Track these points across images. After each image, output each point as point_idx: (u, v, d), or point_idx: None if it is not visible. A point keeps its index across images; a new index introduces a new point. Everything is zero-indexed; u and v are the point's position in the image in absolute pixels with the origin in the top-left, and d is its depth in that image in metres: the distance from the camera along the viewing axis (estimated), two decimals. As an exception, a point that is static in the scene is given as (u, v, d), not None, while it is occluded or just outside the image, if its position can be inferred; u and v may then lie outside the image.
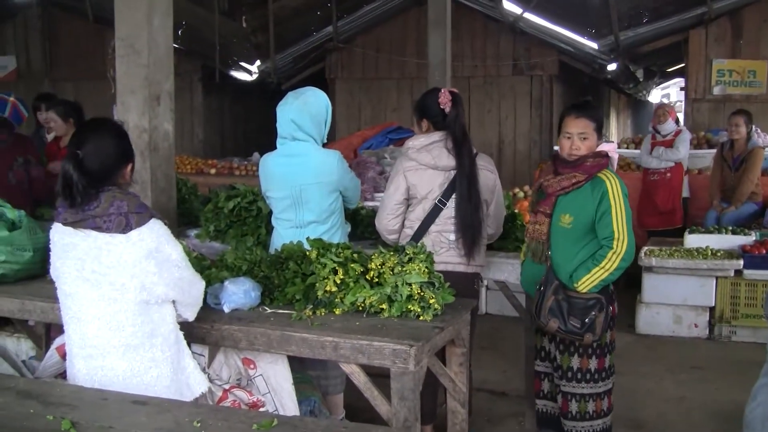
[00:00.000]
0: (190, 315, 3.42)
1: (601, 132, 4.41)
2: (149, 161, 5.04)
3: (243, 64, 15.70)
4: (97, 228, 3.09)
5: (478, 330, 5.26)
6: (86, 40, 15.31)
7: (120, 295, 3.10)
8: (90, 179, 3.10)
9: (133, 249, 3.07)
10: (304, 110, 4.69)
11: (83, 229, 3.11)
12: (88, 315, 3.17)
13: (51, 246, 3.24)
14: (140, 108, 5.06)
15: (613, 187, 4.25)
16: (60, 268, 3.22)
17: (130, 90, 5.09)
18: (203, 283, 3.44)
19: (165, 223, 3.23)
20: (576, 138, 4.32)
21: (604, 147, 4.41)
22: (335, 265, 3.76)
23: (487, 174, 4.76)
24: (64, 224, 3.16)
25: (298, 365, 4.26)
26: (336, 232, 4.78)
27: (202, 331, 3.66)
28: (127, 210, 3.09)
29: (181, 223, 5.78)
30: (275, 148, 4.84)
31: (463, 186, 4.58)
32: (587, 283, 4.26)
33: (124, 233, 3.07)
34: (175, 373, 3.26)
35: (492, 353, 6.96)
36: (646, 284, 7.77)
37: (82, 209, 3.11)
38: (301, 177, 4.67)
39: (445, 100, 4.68)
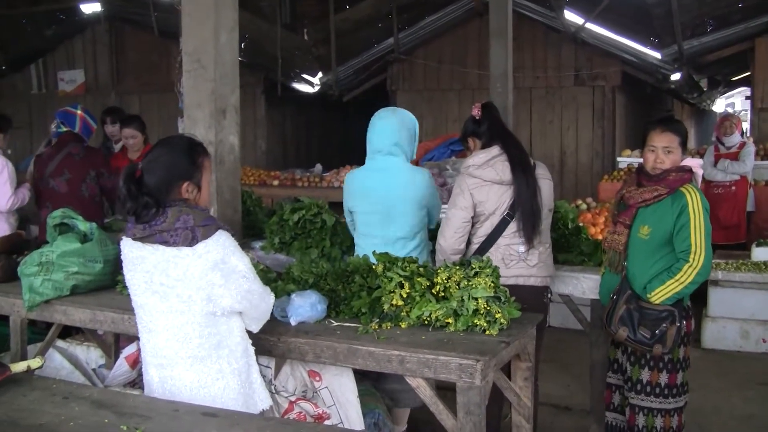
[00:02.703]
0: (255, 328, 3.44)
1: (685, 146, 4.42)
2: (215, 174, 5.11)
3: (305, 76, 15.84)
4: (165, 243, 3.13)
5: (542, 343, 5.24)
6: (152, 54, 15.63)
7: (187, 307, 3.15)
8: (140, 193, 3.16)
9: (199, 261, 3.11)
10: (402, 126, 4.78)
11: (151, 244, 3.16)
12: (158, 326, 3.23)
13: (122, 258, 3.30)
14: (207, 121, 5.14)
15: (694, 201, 4.25)
16: (131, 280, 3.28)
17: (196, 104, 5.18)
18: (272, 298, 3.46)
19: (232, 235, 3.26)
20: (660, 152, 4.35)
21: (689, 162, 4.41)
22: (401, 279, 3.77)
23: (548, 183, 4.79)
24: (134, 239, 3.22)
25: (366, 378, 4.29)
26: (423, 250, 4.80)
27: (269, 343, 3.70)
28: (194, 224, 3.14)
29: (246, 235, 5.84)
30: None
31: (519, 175, 4.59)
32: (660, 294, 4.26)
33: (190, 246, 3.11)
34: (242, 386, 3.28)
35: (555, 367, 6.91)
36: (712, 298, 7.65)
37: (149, 225, 3.16)
38: (392, 191, 4.71)
39: (476, 110, 4.83)
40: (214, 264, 3.12)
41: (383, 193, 4.72)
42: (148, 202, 3.15)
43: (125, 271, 3.31)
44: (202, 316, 3.16)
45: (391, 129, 4.76)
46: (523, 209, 4.58)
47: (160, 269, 3.14)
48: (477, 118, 4.82)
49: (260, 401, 3.38)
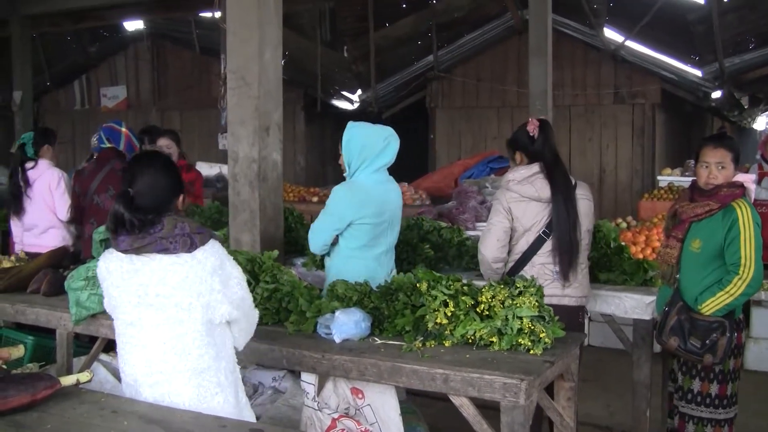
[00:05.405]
0: (242, 342, 3.42)
1: (737, 162, 4.49)
2: (258, 191, 5.15)
3: (344, 93, 15.91)
4: (164, 250, 3.12)
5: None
6: (193, 71, 15.81)
7: (187, 315, 3.13)
8: (143, 215, 3.14)
9: (199, 267, 3.13)
10: None
11: (148, 254, 3.14)
12: (154, 341, 3.16)
13: (105, 277, 3.24)
14: (250, 138, 5.18)
15: (744, 215, 4.31)
16: (119, 297, 3.21)
17: (240, 121, 5.23)
18: (258, 313, 3.49)
19: (222, 243, 3.30)
20: (713, 167, 4.42)
21: (740, 177, 4.44)
22: (446, 297, 3.78)
23: (588, 203, 4.78)
24: (127, 252, 3.16)
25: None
26: None
27: (313, 360, 3.72)
28: (189, 231, 3.15)
29: (287, 251, 5.86)
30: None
31: (560, 205, 4.59)
32: (711, 306, 4.33)
33: (189, 252, 3.13)
34: (236, 401, 3.26)
35: (596, 386, 6.85)
36: (755, 318, 7.55)
37: (147, 233, 3.14)
38: (396, 200, 4.88)
39: (532, 127, 4.79)
40: (213, 269, 3.15)
41: (392, 203, 4.82)
42: (152, 219, 3.15)
43: (110, 289, 3.23)
44: (202, 325, 3.14)
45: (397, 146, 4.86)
46: (560, 230, 4.58)
47: (156, 279, 3.12)
48: (533, 135, 4.78)
49: (248, 419, 3.32)
